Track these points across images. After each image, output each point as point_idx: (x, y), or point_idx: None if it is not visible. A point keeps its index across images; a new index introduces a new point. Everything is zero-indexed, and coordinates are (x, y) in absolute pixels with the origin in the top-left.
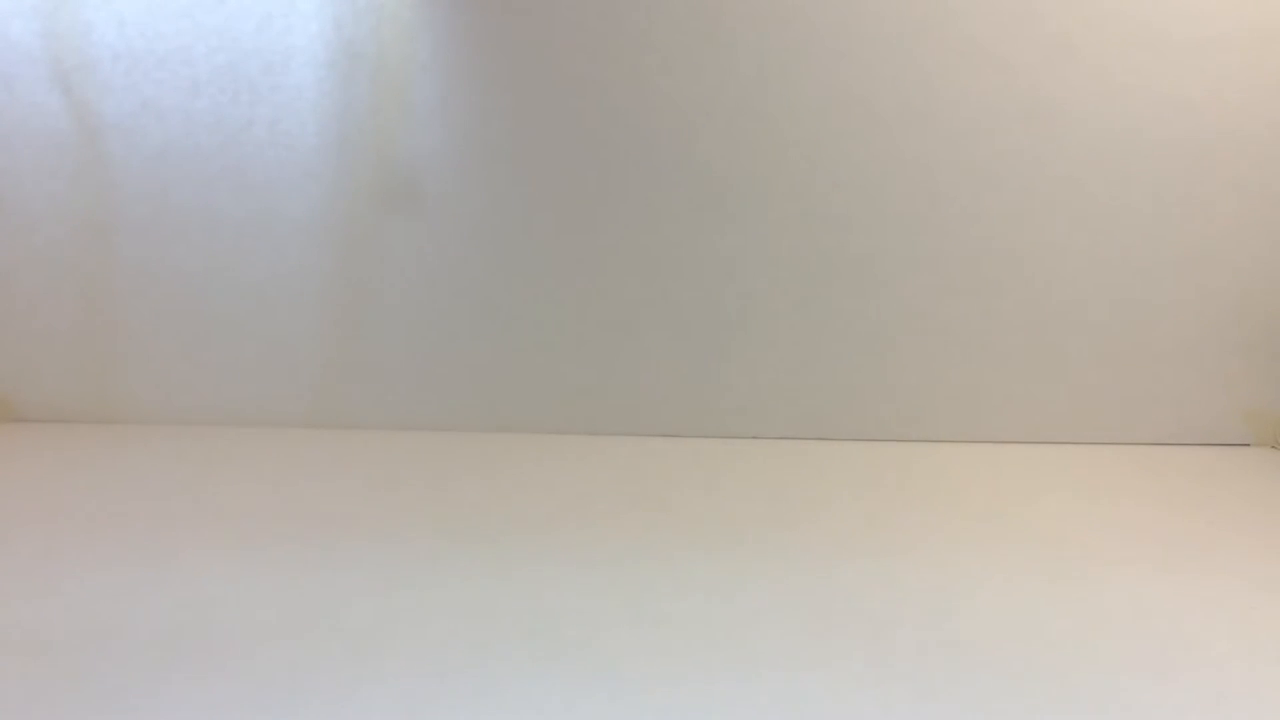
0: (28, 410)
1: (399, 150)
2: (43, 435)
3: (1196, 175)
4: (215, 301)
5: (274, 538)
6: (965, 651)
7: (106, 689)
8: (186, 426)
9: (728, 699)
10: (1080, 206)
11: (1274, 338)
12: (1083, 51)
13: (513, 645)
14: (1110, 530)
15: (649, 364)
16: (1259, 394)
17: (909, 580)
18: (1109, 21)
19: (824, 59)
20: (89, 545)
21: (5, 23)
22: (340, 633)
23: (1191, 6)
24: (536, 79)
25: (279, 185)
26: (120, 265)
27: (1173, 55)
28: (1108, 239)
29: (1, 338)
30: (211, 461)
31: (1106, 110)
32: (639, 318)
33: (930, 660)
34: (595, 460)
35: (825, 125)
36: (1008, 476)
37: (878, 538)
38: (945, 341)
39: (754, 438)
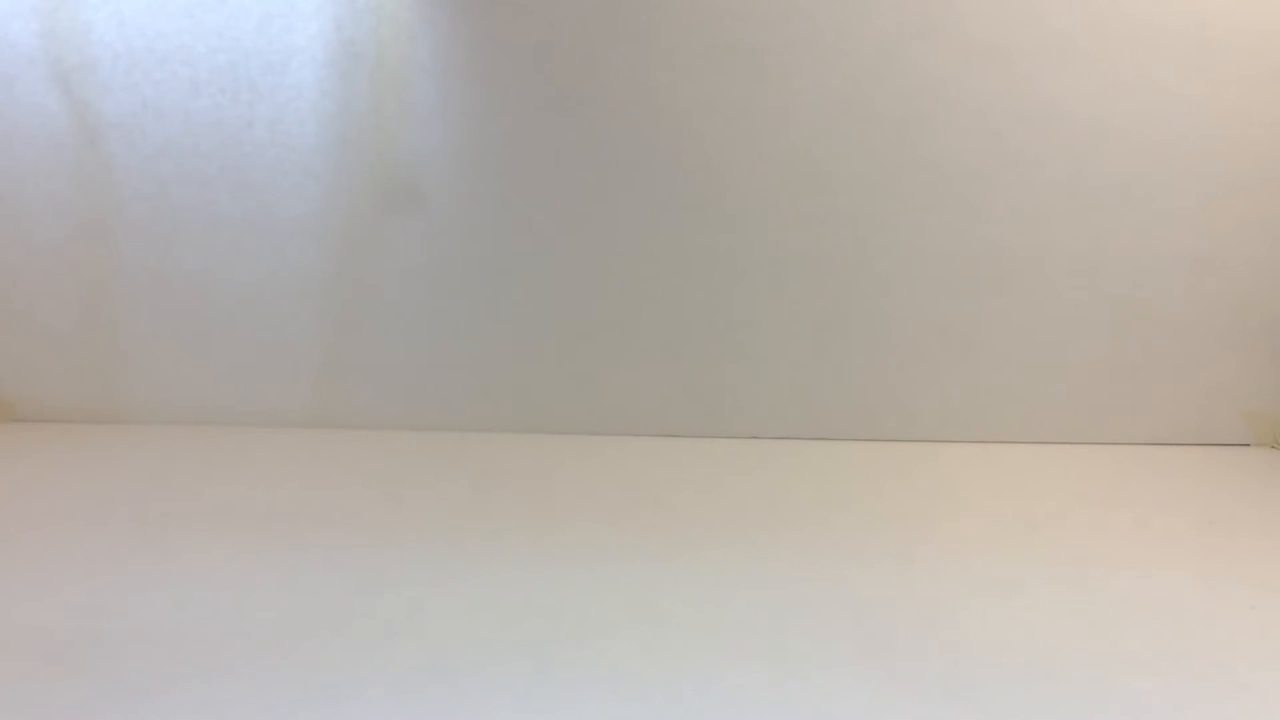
0: (28, 410)
1: (398, 150)
2: (43, 435)
3: (1196, 175)
4: (215, 301)
5: (274, 538)
6: (965, 651)
7: (106, 689)
8: (186, 426)
9: (728, 699)
10: (1081, 206)
11: (1274, 338)
12: (1084, 51)
13: (513, 645)
14: (1110, 530)
15: (649, 364)
16: (1259, 394)
17: (909, 580)
18: (1110, 21)
19: (824, 59)
20: (89, 545)
21: (5, 23)
22: (340, 632)
23: (1192, 6)
24: (536, 79)
25: (279, 185)
26: (120, 265)
27: (1174, 55)
28: (1108, 239)
29: (1, 338)
30: (211, 461)
31: (1107, 110)
32: (639, 318)
33: (930, 660)
34: (595, 460)
35: (825, 125)
36: (1008, 476)
37: (878, 538)
38: (945, 341)
39: (754, 438)
